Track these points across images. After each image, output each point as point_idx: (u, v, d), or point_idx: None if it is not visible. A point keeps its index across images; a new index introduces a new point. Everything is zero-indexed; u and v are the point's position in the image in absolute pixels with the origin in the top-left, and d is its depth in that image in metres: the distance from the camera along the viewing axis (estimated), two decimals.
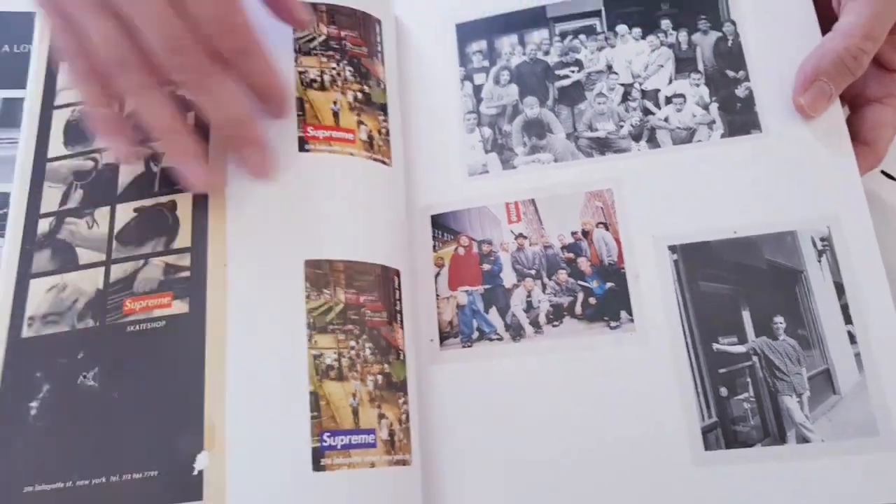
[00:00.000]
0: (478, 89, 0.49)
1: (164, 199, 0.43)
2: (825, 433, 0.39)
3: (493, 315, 0.44)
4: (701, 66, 0.46)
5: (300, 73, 0.45)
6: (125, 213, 0.43)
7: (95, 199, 0.44)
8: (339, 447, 0.38)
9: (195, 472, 0.37)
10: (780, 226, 0.42)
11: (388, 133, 0.46)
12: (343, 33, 0.47)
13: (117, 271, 0.42)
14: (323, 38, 0.46)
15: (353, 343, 0.40)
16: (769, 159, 0.44)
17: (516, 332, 0.43)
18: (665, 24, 0.47)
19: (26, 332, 0.41)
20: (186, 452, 0.38)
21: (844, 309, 0.41)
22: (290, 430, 0.38)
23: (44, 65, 0.47)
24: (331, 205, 0.43)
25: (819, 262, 0.42)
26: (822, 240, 0.42)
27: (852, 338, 0.40)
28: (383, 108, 0.47)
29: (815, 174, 0.43)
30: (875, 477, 0.38)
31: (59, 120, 0.46)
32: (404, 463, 0.40)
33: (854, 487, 0.38)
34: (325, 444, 0.38)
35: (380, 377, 0.41)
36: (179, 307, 0.41)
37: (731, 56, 0.46)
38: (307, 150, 0.43)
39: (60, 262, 0.43)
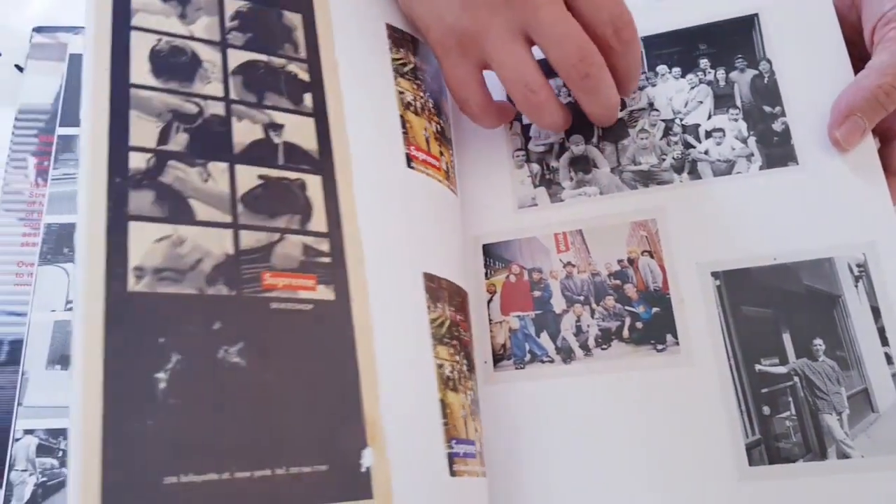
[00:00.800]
0: (526, 128, 0.52)
1: (291, 175, 0.41)
2: (865, 449, 0.41)
3: (545, 339, 0.46)
4: (738, 102, 0.49)
5: (399, 93, 0.47)
6: (248, 176, 0.39)
7: (207, 151, 0.39)
8: (461, 454, 0.40)
9: (363, 469, 0.36)
10: (817, 253, 0.44)
11: (454, 166, 0.49)
12: (424, 66, 0.50)
13: (248, 239, 0.38)
14: (412, 66, 0.49)
15: (458, 357, 0.43)
16: (806, 190, 0.46)
17: (567, 354, 0.46)
18: (703, 63, 0.50)
19: (134, 286, 0.34)
20: (351, 447, 0.36)
21: (881, 332, 0.42)
22: (428, 434, 0.39)
23: None
24: (434, 224, 0.45)
25: (856, 287, 0.43)
26: (859, 266, 0.44)
27: (889, 359, 0.42)
28: (451, 143, 0.50)
29: (850, 204, 0.45)
30: None
31: (140, 43, 0.40)
32: (485, 474, 0.42)
33: (894, 501, 0.40)
34: (453, 450, 0.40)
35: (472, 392, 0.43)
36: (325, 293, 0.39)
37: (767, 92, 0.48)
38: (412, 168, 0.46)
39: (169, 211, 0.37)
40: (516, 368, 0.46)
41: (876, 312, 0.43)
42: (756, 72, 0.49)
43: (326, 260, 0.39)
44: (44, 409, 0.44)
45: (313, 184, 0.41)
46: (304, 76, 0.44)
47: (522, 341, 0.47)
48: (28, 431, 0.45)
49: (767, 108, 0.48)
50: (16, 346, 0.47)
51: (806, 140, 0.47)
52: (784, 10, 0.50)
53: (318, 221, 0.40)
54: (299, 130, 0.42)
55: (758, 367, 0.43)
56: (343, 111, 0.44)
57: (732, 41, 0.50)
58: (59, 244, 0.49)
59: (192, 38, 0.42)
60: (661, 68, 0.51)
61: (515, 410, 0.45)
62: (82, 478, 0.31)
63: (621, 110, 0.50)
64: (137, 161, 0.37)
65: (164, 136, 0.39)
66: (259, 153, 0.40)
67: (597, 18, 0.45)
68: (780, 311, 0.44)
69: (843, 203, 0.45)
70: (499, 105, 0.49)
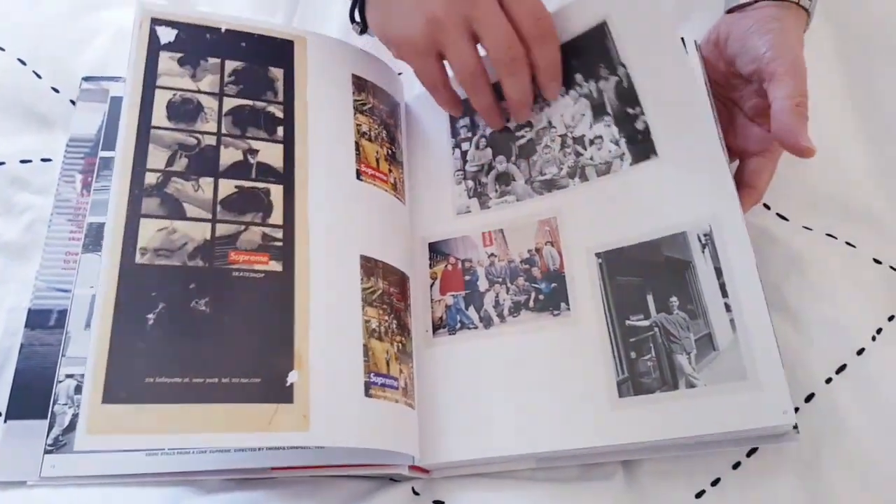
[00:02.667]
0: (464, 154, 0.66)
1: (260, 185, 0.57)
2: (707, 379, 0.51)
3: (472, 311, 0.60)
4: (609, 109, 0.60)
5: (357, 125, 0.63)
6: (227, 186, 0.56)
7: (199, 169, 0.55)
8: (379, 384, 0.54)
9: (288, 384, 0.50)
10: (674, 228, 0.55)
11: (404, 182, 0.64)
12: (381, 106, 0.66)
13: (222, 229, 0.54)
14: (370, 105, 0.65)
15: (386, 317, 0.57)
16: (665, 178, 0.57)
17: (487, 322, 0.59)
18: (578, 77, 0.62)
19: (139, 259, 0.51)
20: (280, 369, 0.51)
21: (722, 287, 0.53)
22: (351, 367, 0.53)
23: (144, 51, 0.59)
24: (375, 220, 0.60)
25: (703, 253, 0.54)
26: (705, 235, 0.54)
27: (728, 307, 0.52)
28: (401, 164, 0.65)
29: (699, 186, 0.56)
30: (744, 410, 0.50)
31: (161, 97, 0.57)
32: (412, 406, 0.57)
33: (729, 418, 0.50)
34: (372, 380, 0.54)
35: (400, 344, 0.57)
36: (275, 266, 0.54)
37: (628, 95, 0.59)
38: (361, 180, 0.61)
39: (168, 210, 0.53)
40: (449, 334, 0.60)
41: (718, 272, 0.53)
42: (617, 78, 0.60)
43: (279, 244, 0.55)
44: (80, 359, 0.56)
45: (276, 191, 0.57)
46: (280, 114, 0.60)
47: (455, 314, 0.60)
48: (69, 375, 0.58)
49: (630, 110, 0.59)
50: (62, 314, 0.61)
51: (661, 133, 0.58)
52: (626, 16, 0.60)
53: (276, 217, 0.56)
54: (271, 154, 0.58)
55: (627, 322, 0.55)
56: (307, 140, 0.60)
57: (593, 51, 0.61)
58: (97, 238, 0.63)
59: (198, 91, 0.59)
60: None
61: (449, 365, 0.59)
62: (93, 373, 0.47)
63: (530, 131, 0.63)
64: (150, 178, 0.54)
65: (170, 161, 0.55)
66: (238, 170, 0.57)
67: (520, 11, 0.58)
68: (645, 278, 0.55)
69: (693, 185, 0.56)
70: (455, 92, 0.64)
